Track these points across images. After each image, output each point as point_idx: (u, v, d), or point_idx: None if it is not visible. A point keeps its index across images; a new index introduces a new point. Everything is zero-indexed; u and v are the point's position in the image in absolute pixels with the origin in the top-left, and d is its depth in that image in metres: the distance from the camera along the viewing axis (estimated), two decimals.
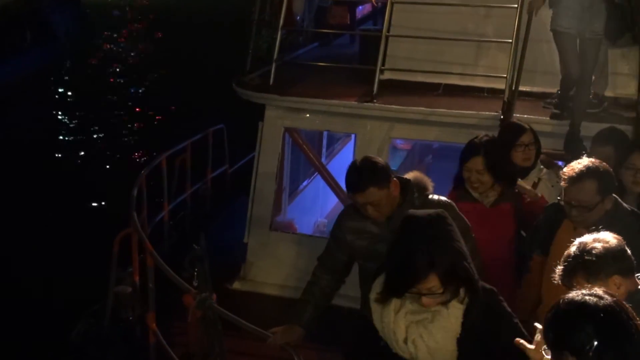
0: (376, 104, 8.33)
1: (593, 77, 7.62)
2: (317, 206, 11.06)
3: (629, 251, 3.86)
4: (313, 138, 10.49)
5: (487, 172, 5.67)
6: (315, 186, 10.89)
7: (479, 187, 5.75)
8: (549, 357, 2.93)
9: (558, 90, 7.90)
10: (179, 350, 6.75)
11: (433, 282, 3.62)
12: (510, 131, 6.40)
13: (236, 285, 8.75)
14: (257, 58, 9.63)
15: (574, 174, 4.70)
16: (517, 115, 7.57)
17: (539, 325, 3.30)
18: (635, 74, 7.98)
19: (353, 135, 10.66)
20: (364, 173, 4.68)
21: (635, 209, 4.92)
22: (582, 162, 4.76)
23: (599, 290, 2.85)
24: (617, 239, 3.88)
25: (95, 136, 20.38)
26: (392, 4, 8.51)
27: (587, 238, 3.92)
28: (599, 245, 3.82)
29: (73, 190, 15.31)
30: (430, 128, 8.38)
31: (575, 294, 2.88)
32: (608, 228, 4.37)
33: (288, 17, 9.61)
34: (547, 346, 2.93)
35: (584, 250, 3.86)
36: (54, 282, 11.28)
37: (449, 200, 5.00)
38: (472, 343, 3.76)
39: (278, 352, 5.25)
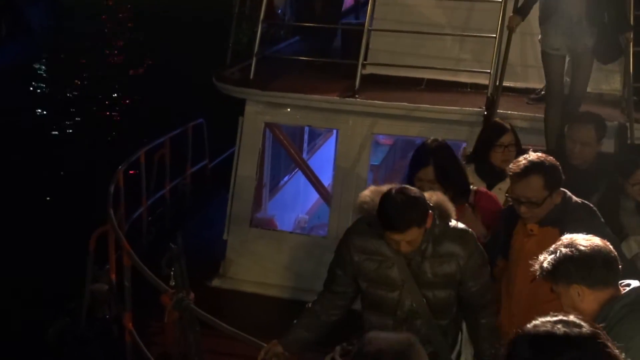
0: (358, 99, 8.24)
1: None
2: (298, 202, 10.96)
3: (602, 260, 3.65)
4: (294, 133, 10.39)
5: (437, 183, 5.25)
6: (296, 182, 10.78)
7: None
8: None
9: (542, 90, 7.84)
10: (156, 350, 6.65)
11: None
12: (492, 131, 6.29)
13: (215, 282, 8.63)
14: (238, 52, 9.51)
15: (519, 169, 4.63)
16: (501, 112, 7.50)
17: None
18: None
19: (335, 131, 10.58)
20: (407, 211, 4.23)
21: (586, 202, 4.82)
22: (528, 157, 4.67)
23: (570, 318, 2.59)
24: (592, 247, 3.67)
25: (71, 131, 20.18)
26: None
27: (567, 238, 3.78)
28: (564, 250, 3.69)
29: (49, 185, 15.13)
30: (413, 124, 8.30)
31: (542, 325, 2.64)
32: (558, 222, 4.47)
33: (269, 11, 9.47)
34: None
35: (552, 251, 3.76)
36: (29, 279, 11.10)
37: (468, 229, 4.61)
38: None
39: (257, 353, 5.11)
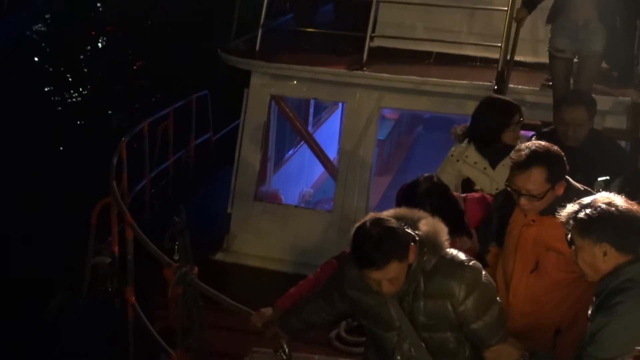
0: (366, 72, 8.13)
1: None
2: (303, 176, 10.87)
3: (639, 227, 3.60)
4: (299, 106, 10.26)
5: None
6: (301, 156, 10.68)
7: None
8: None
9: None
10: (158, 325, 6.56)
11: None
12: (503, 112, 5.99)
13: (219, 256, 8.56)
14: (243, 24, 9.37)
15: (520, 160, 4.28)
16: (511, 86, 7.38)
17: None
18: None
19: (341, 104, 10.47)
20: (384, 244, 3.70)
21: (589, 189, 4.53)
22: (530, 146, 4.32)
23: None
24: (633, 211, 3.62)
25: (73, 100, 20.04)
26: None
27: (605, 196, 3.71)
28: (604, 207, 3.61)
29: (50, 158, 15.02)
30: (421, 98, 8.19)
31: None
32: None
33: None
34: None
35: (589, 205, 3.66)
36: (30, 253, 11.02)
37: (469, 262, 3.92)
38: None
39: (260, 328, 5.03)
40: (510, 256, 4.50)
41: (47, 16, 26.77)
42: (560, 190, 4.30)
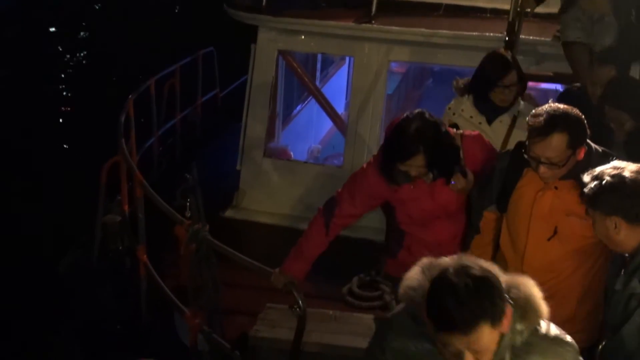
0: (374, 25, 7.99)
1: None
2: (311, 132, 10.79)
3: None
4: (306, 62, 10.15)
5: (428, 167, 4.70)
6: (308, 112, 10.60)
7: (419, 176, 4.81)
8: None
9: None
10: (170, 283, 6.54)
11: None
12: (494, 69, 5.83)
13: (229, 213, 8.51)
14: None
15: (539, 126, 4.03)
16: (523, 37, 7.26)
17: None
18: None
19: (348, 59, 10.37)
20: (474, 302, 2.73)
21: (608, 151, 4.35)
22: (549, 110, 4.07)
23: None
24: (638, 180, 3.51)
25: (79, 55, 19.94)
26: None
27: (614, 166, 3.60)
28: (609, 179, 3.52)
29: (57, 116, 14.98)
30: (431, 50, 8.07)
31: None
32: (580, 177, 3.92)
33: None
34: None
35: (597, 176, 3.58)
36: (40, 213, 11.01)
37: (567, 338, 3.06)
38: None
39: (274, 285, 5.01)
40: (522, 223, 4.30)
41: None
42: (581, 154, 4.12)
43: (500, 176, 4.42)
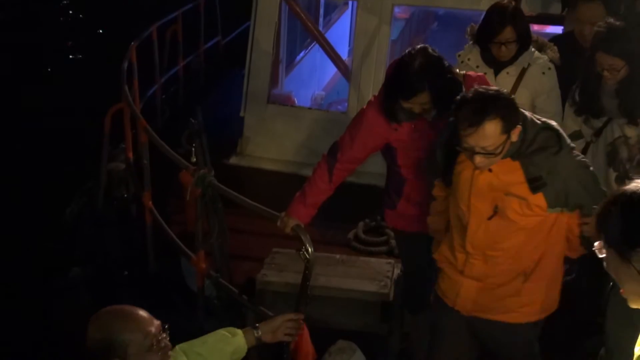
0: None
1: None
2: (314, 79, 10.72)
3: None
4: (309, 7, 10.05)
5: (432, 104, 4.62)
6: (311, 58, 10.51)
7: (422, 113, 4.72)
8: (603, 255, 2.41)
9: None
10: (176, 229, 6.56)
11: None
12: (489, 24, 5.48)
13: (233, 160, 8.49)
14: None
15: (470, 116, 3.74)
16: None
17: None
18: None
19: (351, 4, 10.26)
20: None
21: (548, 122, 3.99)
22: (476, 97, 3.79)
23: None
24: None
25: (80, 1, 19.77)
26: None
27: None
28: None
29: (59, 65, 14.89)
30: None
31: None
32: (517, 155, 3.87)
33: None
34: (605, 243, 2.42)
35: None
36: (43, 161, 10.99)
37: None
38: None
39: (280, 229, 4.99)
40: (463, 201, 4.11)
41: None
42: (515, 135, 3.84)
43: (442, 150, 4.22)
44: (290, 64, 9.94)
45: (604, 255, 2.45)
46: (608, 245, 2.44)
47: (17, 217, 9.44)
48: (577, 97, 5.22)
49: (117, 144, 8.15)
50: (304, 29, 9.45)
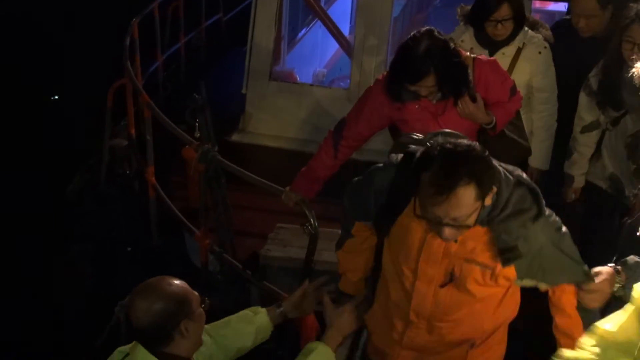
0: None
1: None
2: (316, 56, 10.70)
3: None
4: None
5: (437, 86, 4.56)
6: (313, 35, 10.49)
7: (428, 96, 4.66)
8: None
9: None
10: (179, 205, 6.57)
11: None
12: (485, 3, 5.42)
13: (235, 137, 8.46)
14: None
15: (440, 179, 2.97)
16: None
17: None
18: None
19: None
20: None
21: (520, 174, 3.28)
22: (445, 154, 3.00)
23: None
24: None
25: None
26: None
27: None
28: None
29: (61, 40, 14.81)
30: None
31: None
32: (485, 221, 3.19)
33: None
34: None
35: None
36: (45, 137, 10.97)
37: None
38: None
39: (284, 206, 5.01)
40: (407, 263, 3.40)
41: None
42: (489, 199, 3.12)
43: (377, 197, 3.47)
44: (292, 40, 9.91)
45: None
46: None
47: (19, 194, 9.43)
48: (593, 87, 5.12)
49: (119, 121, 8.14)
50: (306, 6, 9.43)
